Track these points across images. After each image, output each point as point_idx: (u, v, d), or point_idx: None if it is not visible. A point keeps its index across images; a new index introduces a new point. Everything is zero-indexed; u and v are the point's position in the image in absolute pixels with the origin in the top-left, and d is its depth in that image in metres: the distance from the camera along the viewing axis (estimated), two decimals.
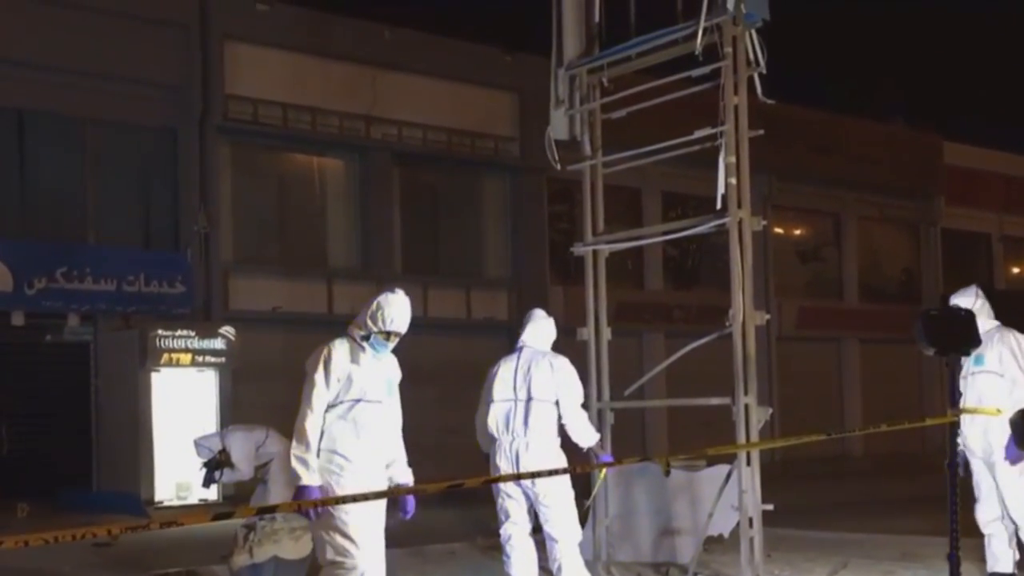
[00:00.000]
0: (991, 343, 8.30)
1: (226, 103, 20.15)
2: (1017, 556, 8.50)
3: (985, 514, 8.45)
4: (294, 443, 6.45)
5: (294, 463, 6.40)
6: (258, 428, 10.63)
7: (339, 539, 6.40)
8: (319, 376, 6.50)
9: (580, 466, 8.08)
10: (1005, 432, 8.08)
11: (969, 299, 8.47)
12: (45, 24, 18.16)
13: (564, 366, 8.12)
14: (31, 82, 18.14)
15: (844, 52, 40.47)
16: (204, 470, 10.11)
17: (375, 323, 6.59)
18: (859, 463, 27.29)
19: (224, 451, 10.52)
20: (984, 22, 43.31)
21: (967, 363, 8.37)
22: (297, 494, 6.35)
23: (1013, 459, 8.23)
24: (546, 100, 10.26)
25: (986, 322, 8.39)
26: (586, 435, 8.11)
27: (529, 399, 8.04)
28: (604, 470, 8.37)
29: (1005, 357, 8.27)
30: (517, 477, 7.79)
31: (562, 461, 7.98)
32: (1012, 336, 8.39)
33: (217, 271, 19.95)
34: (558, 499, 7.98)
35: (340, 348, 6.58)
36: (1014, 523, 8.37)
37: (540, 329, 8.29)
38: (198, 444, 10.51)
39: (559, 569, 8.03)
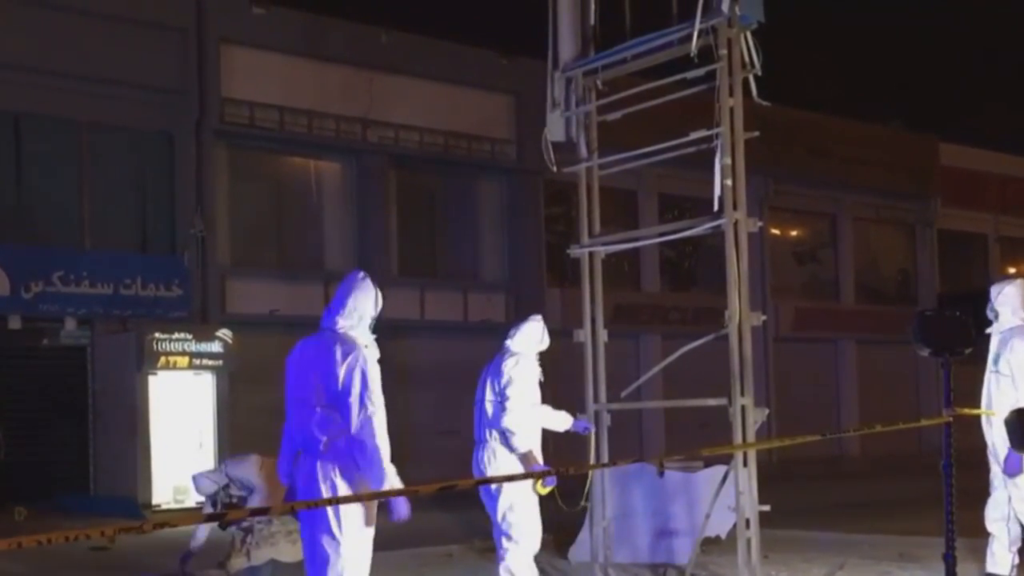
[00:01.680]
0: (1007, 344, 8.22)
1: (222, 106, 20.16)
2: (1016, 560, 8.47)
3: (992, 511, 8.37)
4: (390, 472, 5.93)
5: (380, 483, 5.93)
6: (250, 455, 10.57)
7: (366, 553, 6.18)
8: (378, 397, 6.01)
9: (535, 477, 7.80)
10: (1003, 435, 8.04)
11: (995, 290, 8.39)
12: (41, 28, 18.16)
13: (509, 362, 8.00)
14: (28, 86, 18.14)
15: (840, 54, 40.50)
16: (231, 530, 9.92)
17: (373, 311, 6.24)
18: (856, 464, 27.32)
19: (229, 484, 10.43)
20: (980, 24, 43.36)
21: (989, 360, 8.30)
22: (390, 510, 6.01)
23: (1011, 472, 8.19)
24: (542, 103, 10.27)
25: (1010, 318, 8.30)
26: (512, 438, 7.82)
27: (480, 400, 8.11)
28: (539, 482, 7.92)
29: (1012, 361, 8.17)
30: (509, 479, 7.77)
31: (516, 465, 7.95)
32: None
33: (214, 274, 19.95)
34: (512, 503, 7.94)
35: (370, 362, 6.11)
36: (1022, 526, 8.33)
37: (520, 331, 8.23)
38: (198, 479, 10.31)
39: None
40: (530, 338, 8.21)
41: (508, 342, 8.23)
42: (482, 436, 8.08)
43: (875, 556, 10.48)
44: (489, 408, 8.03)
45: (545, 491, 8.10)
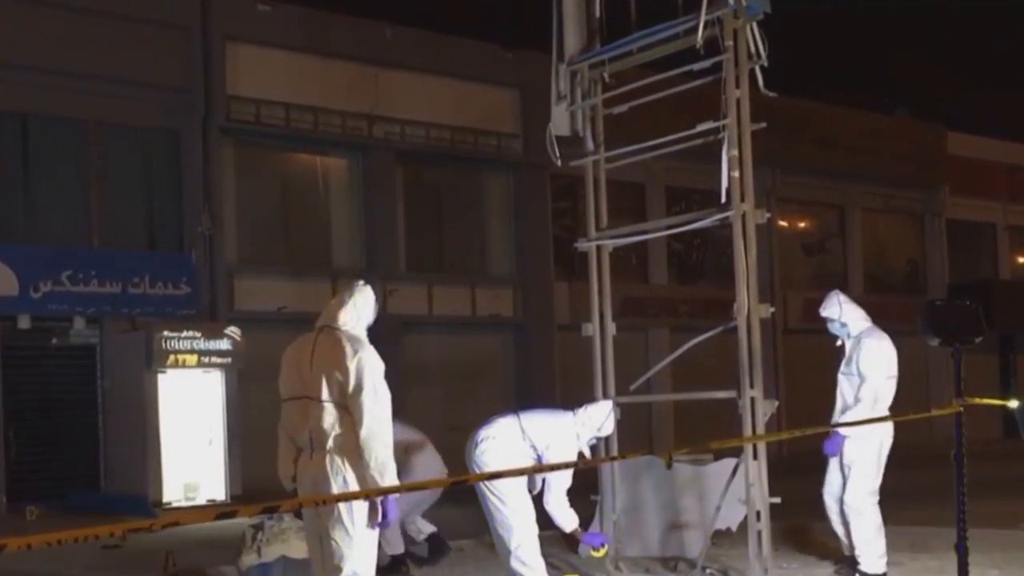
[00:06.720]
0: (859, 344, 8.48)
1: (228, 104, 20.17)
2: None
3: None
4: (389, 473, 5.87)
5: (385, 481, 5.86)
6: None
7: (374, 548, 6.12)
8: (386, 394, 5.96)
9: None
10: None
11: (837, 307, 8.87)
12: (47, 28, 18.17)
13: (560, 426, 8.21)
14: (34, 86, 18.15)
15: (847, 44, 40.42)
16: None
17: (370, 316, 6.26)
18: None
19: None
20: (987, 12, 43.23)
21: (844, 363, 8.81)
22: (382, 512, 5.95)
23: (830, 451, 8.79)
24: (548, 96, 10.26)
25: (860, 323, 8.56)
26: (557, 519, 8.18)
27: (513, 412, 8.42)
28: (592, 548, 8.52)
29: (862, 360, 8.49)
30: (520, 473, 7.77)
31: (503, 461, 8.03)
32: None
33: (222, 272, 19.96)
34: (503, 497, 8.05)
35: (378, 359, 6.04)
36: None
37: (587, 409, 8.39)
38: None
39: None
40: (592, 420, 8.32)
41: (581, 414, 8.35)
42: (483, 425, 8.17)
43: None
44: (504, 423, 8.14)
45: (600, 553, 8.47)
